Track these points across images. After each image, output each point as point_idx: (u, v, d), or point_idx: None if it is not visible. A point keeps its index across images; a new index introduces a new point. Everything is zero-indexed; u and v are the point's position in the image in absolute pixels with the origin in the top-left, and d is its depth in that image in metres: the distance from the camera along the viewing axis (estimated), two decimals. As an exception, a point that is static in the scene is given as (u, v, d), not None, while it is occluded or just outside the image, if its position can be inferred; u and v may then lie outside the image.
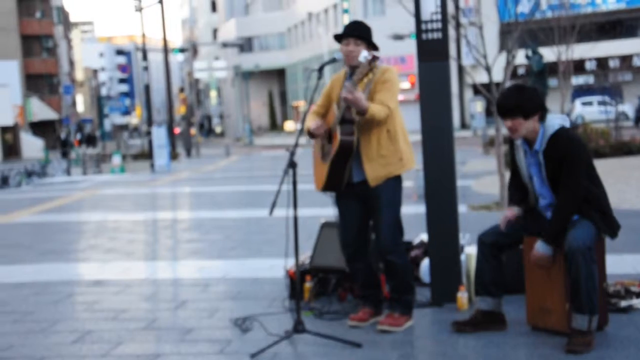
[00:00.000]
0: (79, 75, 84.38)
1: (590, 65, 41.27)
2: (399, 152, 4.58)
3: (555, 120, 4.30)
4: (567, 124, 4.31)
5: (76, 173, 25.59)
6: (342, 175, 4.59)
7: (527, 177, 4.43)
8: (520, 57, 16.16)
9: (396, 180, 4.63)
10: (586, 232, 4.15)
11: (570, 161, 4.17)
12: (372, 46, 4.65)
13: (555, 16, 17.54)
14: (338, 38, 4.70)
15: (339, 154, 4.53)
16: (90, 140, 37.05)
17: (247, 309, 5.25)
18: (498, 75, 10.00)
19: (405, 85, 44.63)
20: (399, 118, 4.63)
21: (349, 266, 4.85)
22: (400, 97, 4.70)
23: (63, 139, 34.91)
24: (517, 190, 4.53)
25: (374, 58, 4.45)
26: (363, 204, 4.67)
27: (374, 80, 4.55)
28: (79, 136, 36.16)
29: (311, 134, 4.67)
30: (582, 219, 4.22)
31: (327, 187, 4.68)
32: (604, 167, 4.29)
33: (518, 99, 4.26)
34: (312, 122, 4.66)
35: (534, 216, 4.45)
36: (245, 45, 65.14)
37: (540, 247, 4.23)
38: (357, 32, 4.63)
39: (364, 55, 4.45)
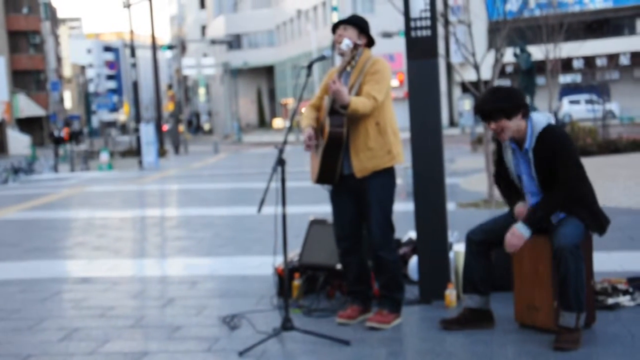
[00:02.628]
0: (67, 71, 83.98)
1: (577, 64, 41.47)
2: (387, 145, 4.58)
3: (541, 118, 4.31)
4: (553, 122, 4.33)
5: (64, 170, 25.46)
6: (334, 167, 4.59)
7: (515, 177, 4.43)
8: (509, 55, 16.23)
9: (387, 176, 4.63)
10: (574, 230, 4.17)
11: (560, 158, 4.18)
12: (366, 35, 4.66)
13: (543, 15, 17.60)
14: (334, 31, 4.73)
15: (328, 145, 4.53)
16: (74, 137, 36.76)
17: (235, 307, 5.24)
18: (486, 73, 10.01)
19: (394, 82, 44.71)
20: (389, 111, 4.63)
21: (342, 260, 4.85)
22: (390, 94, 4.71)
23: (56, 136, 34.74)
24: (508, 189, 4.52)
25: (356, 45, 4.51)
26: (356, 198, 4.67)
27: (364, 71, 4.56)
28: (62, 133, 35.93)
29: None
30: (570, 217, 4.24)
31: (320, 179, 4.68)
32: (591, 165, 4.32)
33: (495, 100, 4.24)
34: (307, 132, 4.65)
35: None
36: (234, 42, 65.06)
37: (520, 228, 4.21)
38: (346, 19, 4.66)
39: (345, 42, 4.53)
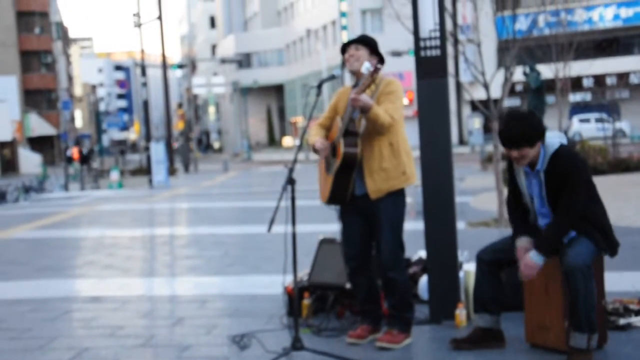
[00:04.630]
0: (78, 90, 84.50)
1: (587, 83, 41.42)
2: (401, 166, 4.58)
3: (554, 139, 4.30)
4: (565, 142, 4.32)
5: (74, 188, 25.56)
6: (346, 187, 4.60)
7: (528, 199, 4.41)
8: (518, 74, 16.23)
9: (398, 196, 4.63)
10: (585, 249, 4.14)
11: (571, 179, 4.17)
12: (376, 54, 4.67)
13: (553, 34, 17.60)
14: (343, 53, 4.72)
15: (342, 166, 4.54)
16: (86, 158, 36.97)
17: (245, 326, 5.23)
18: (496, 92, 10.02)
19: (404, 101, 44.70)
20: (402, 132, 4.64)
21: (351, 280, 4.84)
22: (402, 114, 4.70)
23: (85, 154, 35.21)
24: (520, 216, 4.47)
25: (376, 69, 4.44)
26: (366, 218, 4.67)
27: (378, 92, 4.57)
28: (85, 150, 36.36)
29: (315, 150, 4.66)
30: (581, 237, 4.21)
31: (331, 199, 4.68)
32: (601, 185, 4.30)
33: (524, 130, 4.20)
34: (318, 140, 4.65)
35: (534, 232, 4.42)
36: (244, 61, 65.34)
37: (533, 256, 4.19)
38: (358, 38, 4.68)
39: (366, 66, 4.45)
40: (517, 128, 4.23)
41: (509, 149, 4.27)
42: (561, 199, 4.19)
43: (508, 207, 4.57)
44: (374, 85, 4.58)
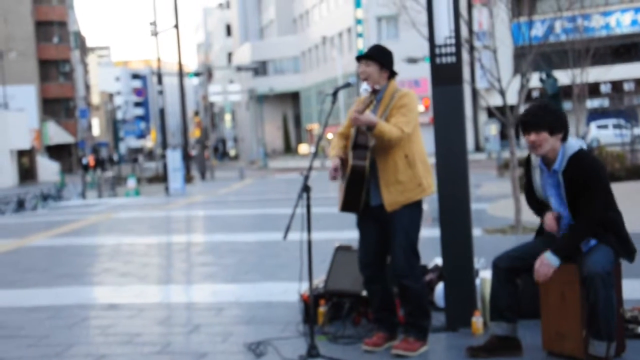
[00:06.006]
0: (95, 99, 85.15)
1: (605, 89, 41.16)
2: (417, 178, 4.58)
3: (574, 142, 4.30)
4: (585, 148, 4.31)
5: (91, 196, 25.71)
6: (357, 198, 4.60)
7: (543, 197, 4.41)
8: (535, 80, 16.16)
9: (415, 206, 4.62)
10: (605, 257, 4.12)
11: (591, 184, 4.16)
12: (387, 68, 4.67)
13: (570, 40, 17.53)
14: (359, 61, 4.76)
15: (351, 178, 4.55)
16: (103, 164, 37.31)
17: (261, 333, 5.24)
18: (512, 98, 9.98)
19: (420, 108, 44.65)
20: (418, 143, 4.64)
21: (366, 287, 4.84)
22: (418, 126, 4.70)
23: (116, 160, 35.92)
24: (538, 203, 4.49)
25: (374, 90, 4.53)
26: (382, 227, 4.67)
27: (391, 105, 4.58)
28: (115, 157, 37.23)
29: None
30: (600, 244, 4.19)
31: (344, 208, 4.70)
32: (619, 191, 4.27)
33: (546, 114, 4.25)
34: (332, 162, 4.68)
35: (551, 238, 4.41)
36: (260, 68, 65.55)
37: (549, 257, 4.18)
38: (368, 53, 4.68)
39: (364, 87, 4.57)
40: (540, 111, 4.27)
41: (528, 132, 4.26)
42: (581, 204, 4.18)
43: (527, 200, 4.55)
44: (387, 97, 4.60)
